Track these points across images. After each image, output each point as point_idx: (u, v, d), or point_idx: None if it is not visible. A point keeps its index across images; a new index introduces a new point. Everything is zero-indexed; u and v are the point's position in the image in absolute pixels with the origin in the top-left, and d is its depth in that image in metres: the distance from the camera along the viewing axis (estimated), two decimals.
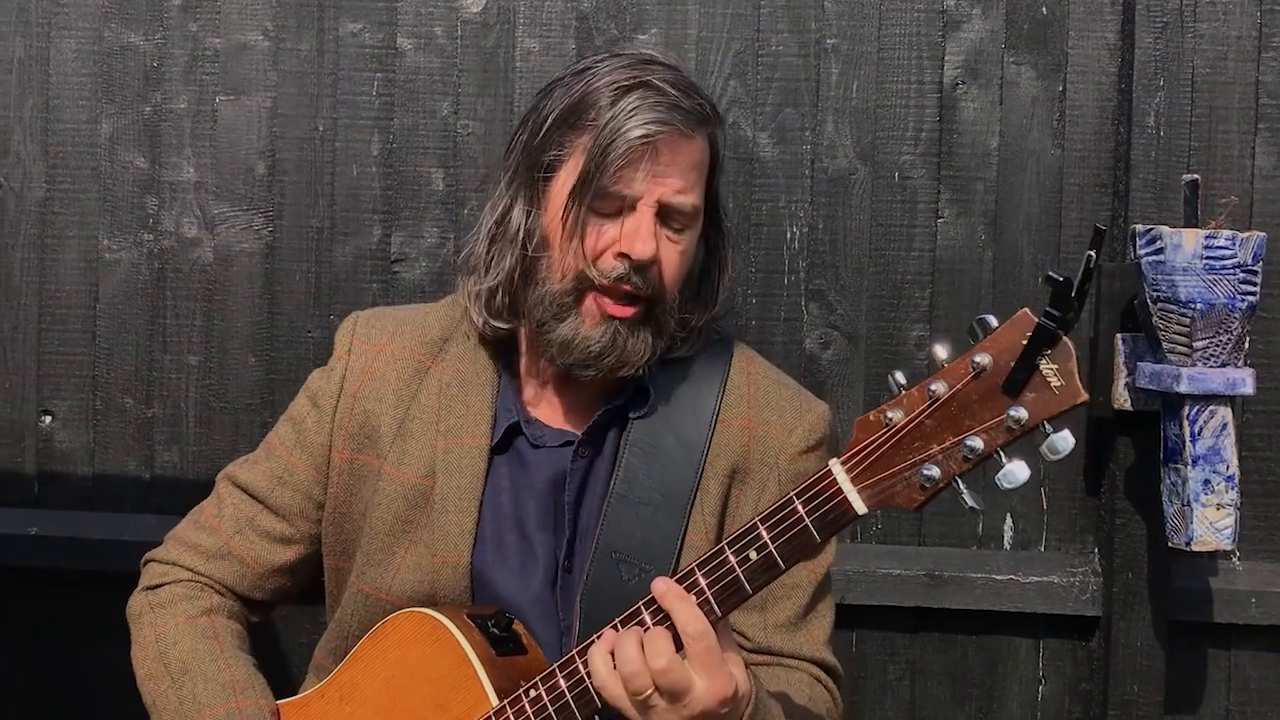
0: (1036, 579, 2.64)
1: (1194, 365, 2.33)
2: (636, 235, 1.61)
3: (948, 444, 1.37)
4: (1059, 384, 1.34)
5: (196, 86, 2.76)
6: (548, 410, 1.76)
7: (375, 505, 1.72)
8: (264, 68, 2.74)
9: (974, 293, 2.69)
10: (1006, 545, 2.70)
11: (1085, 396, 1.33)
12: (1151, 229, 2.37)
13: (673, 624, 1.43)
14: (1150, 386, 2.37)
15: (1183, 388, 2.32)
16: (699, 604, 1.43)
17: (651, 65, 1.66)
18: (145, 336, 2.78)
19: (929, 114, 2.68)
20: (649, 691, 1.42)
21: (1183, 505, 2.36)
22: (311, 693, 1.73)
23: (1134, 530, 2.58)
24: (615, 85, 1.61)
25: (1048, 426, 1.35)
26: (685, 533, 1.70)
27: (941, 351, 1.39)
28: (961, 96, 2.68)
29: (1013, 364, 1.33)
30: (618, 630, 1.47)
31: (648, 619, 1.46)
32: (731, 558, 1.44)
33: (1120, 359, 2.50)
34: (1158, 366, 2.36)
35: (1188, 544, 2.37)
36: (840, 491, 1.40)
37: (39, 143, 2.78)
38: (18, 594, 2.78)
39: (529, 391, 1.76)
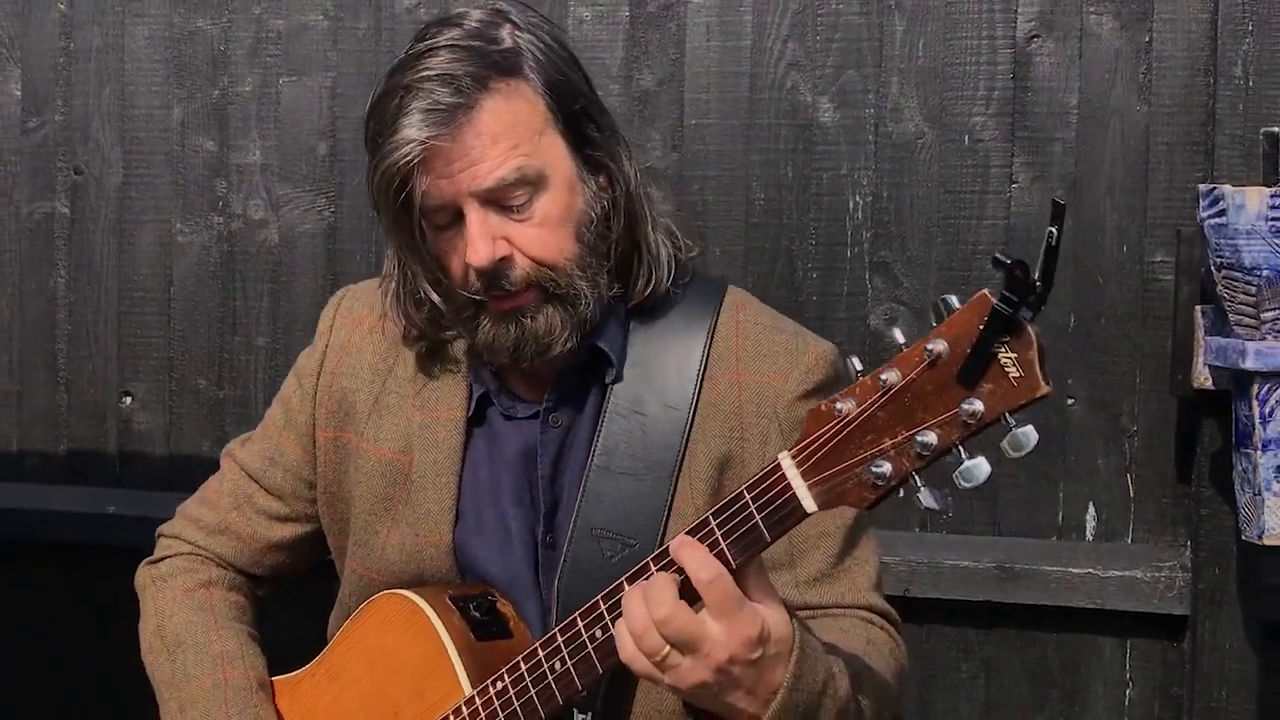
0: (1118, 573, 2.72)
1: (1263, 338, 2.35)
2: (469, 245, 1.70)
3: (900, 438, 1.37)
4: (1018, 375, 1.32)
5: (260, 69, 3.09)
6: (519, 381, 1.89)
7: (357, 484, 1.95)
8: (324, 47, 3.05)
9: None
10: (1089, 536, 2.76)
11: (1046, 389, 1.32)
12: (1214, 188, 2.42)
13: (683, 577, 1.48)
14: (1217, 363, 2.40)
15: (1249, 364, 2.37)
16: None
17: (426, 55, 1.70)
18: (216, 319, 3.12)
19: (1001, 71, 2.79)
20: (663, 650, 1.46)
21: (1254, 494, 2.41)
22: (303, 671, 2.01)
23: (1220, 521, 2.64)
24: (389, 95, 1.72)
25: (1010, 420, 1.33)
26: (672, 503, 1.76)
27: (899, 335, 1.40)
28: (1037, 51, 2.77)
29: (968, 353, 1.33)
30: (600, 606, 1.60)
31: (605, 612, 1.59)
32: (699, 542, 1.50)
33: (1199, 333, 2.53)
34: (1225, 341, 2.42)
35: (1259, 537, 2.43)
36: (790, 488, 1.44)
37: (116, 129, 3.15)
38: (97, 570, 3.12)
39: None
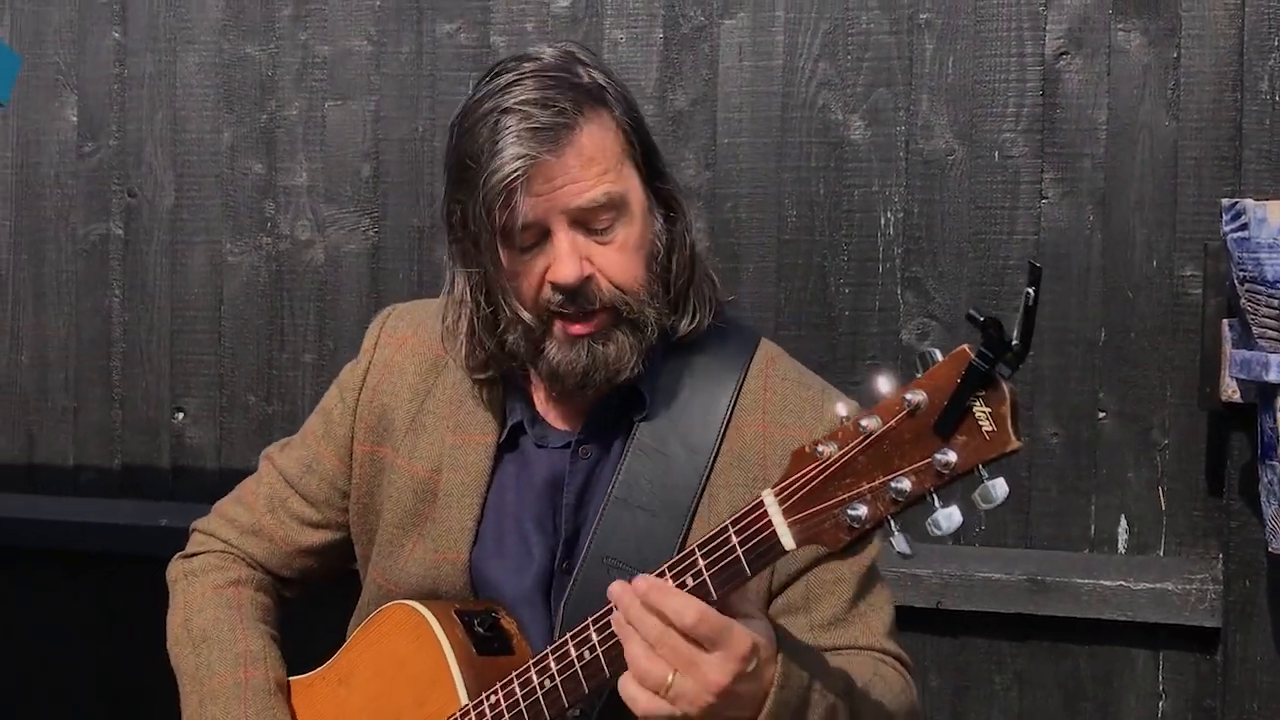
0: (1149, 586, 2.73)
1: None
2: (557, 261, 1.75)
3: (877, 483, 1.41)
4: (990, 429, 1.36)
5: (307, 93, 3.16)
6: (555, 412, 1.96)
7: (387, 498, 2.02)
8: (367, 72, 3.12)
9: (1082, 278, 2.79)
10: (1121, 549, 2.77)
11: (1016, 445, 1.36)
12: (1236, 202, 2.44)
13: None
14: (1241, 375, 2.42)
15: (1272, 376, 2.39)
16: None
17: (516, 84, 1.76)
18: (265, 336, 3.19)
19: (1030, 88, 2.81)
20: (669, 678, 1.51)
21: (1279, 507, 2.39)
22: (316, 672, 2.07)
23: (1250, 534, 2.66)
24: (481, 122, 1.78)
25: (983, 472, 1.37)
26: (684, 541, 1.80)
27: (883, 385, 1.44)
28: (1065, 68, 2.79)
29: (945, 405, 1.37)
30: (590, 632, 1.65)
31: (595, 632, 1.64)
32: (670, 583, 1.55)
33: (1227, 346, 2.54)
34: (1249, 354, 2.43)
35: None
36: (770, 524, 1.48)
37: (168, 153, 3.24)
38: (149, 582, 3.18)
39: (538, 392, 1.98)
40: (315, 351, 3.24)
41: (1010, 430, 1.35)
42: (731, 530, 1.51)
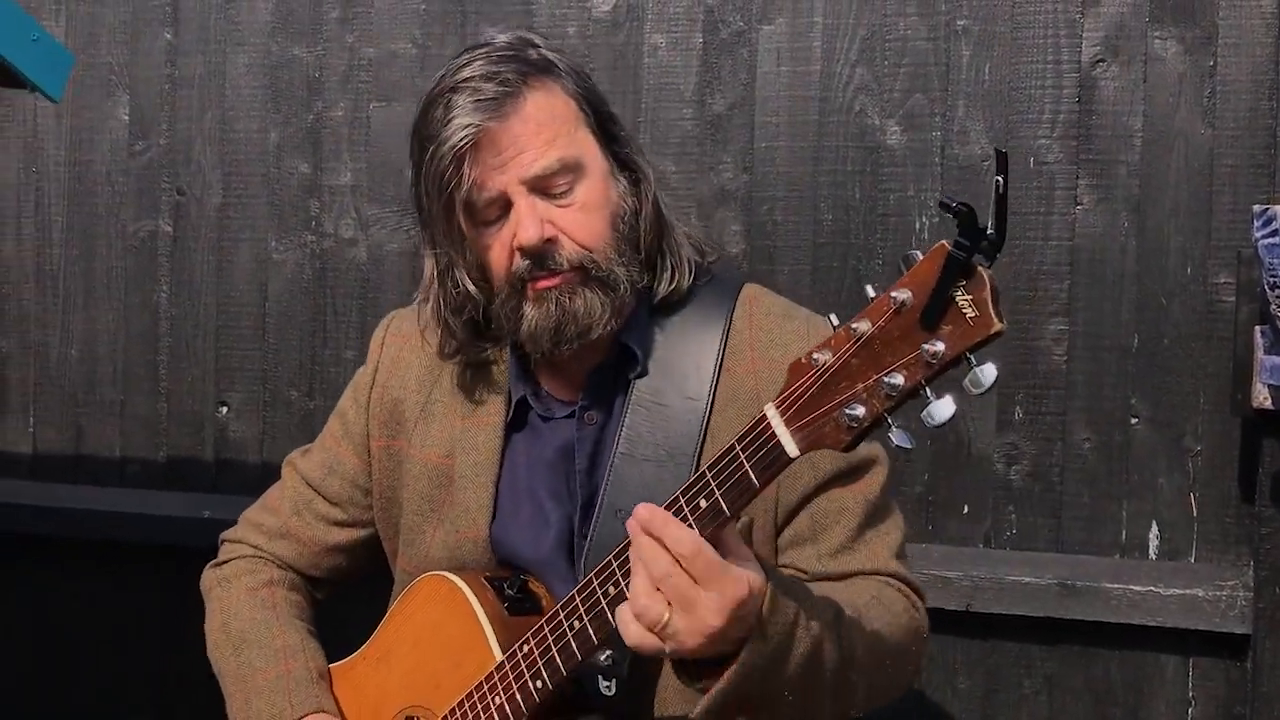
0: (1179, 591, 2.72)
1: None
2: (520, 227, 1.81)
3: (871, 381, 1.45)
4: (973, 315, 1.41)
5: (352, 94, 3.19)
6: (555, 384, 2.01)
7: (405, 487, 2.07)
8: (412, 74, 3.14)
9: (1116, 283, 2.79)
10: (1152, 555, 2.77)
11: (998, 325, 1.41)
12: (1268, 209, 2.44)
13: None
14: (1272, 381, 2.41)
15: None
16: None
17: (465, 66, 1.83)
18: (308, 333, 3.23)
19: (1066, 95, 2.81)
20: (664, 617, 1.55)
21: None
22: (355, 655, 2.12)
23: None
24: (433, 107, 1.85)
25: (972, 359, 1.41)
26: None
27: (870, 290, 1.48)
28: (1101, 75, 2.79)
29: (928, 297, 1.42)
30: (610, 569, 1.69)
31: (617, 568, 1.68)
32: (684, 507, 1.59)
33: (1259, 353, 2.53)
34: (1279, 359, 2.39)
35: None
36: (774, 435, 1.52)
37: (216, 152, 3.29)
38: (194, 572, 3.23)
39: (540, 370, 2.02)
40: (357, 348, 3.27)
41: (992, 313, 1.40)
42: (738, 447, 1.56)
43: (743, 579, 1.55)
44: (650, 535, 1.56)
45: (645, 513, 1.57)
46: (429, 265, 1.95)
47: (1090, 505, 2.86)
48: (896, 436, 1.45)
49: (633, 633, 1.57)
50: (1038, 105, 2.87)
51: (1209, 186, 2.78)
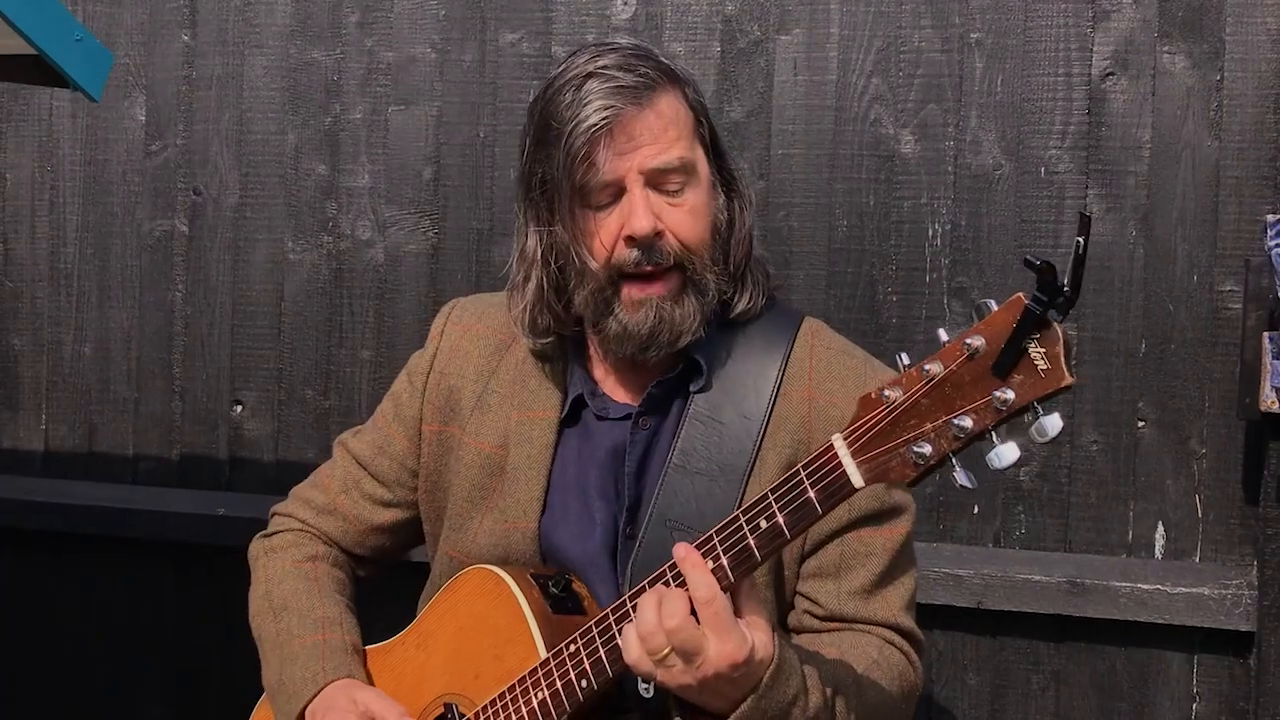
0: (1185, 590, 2.76)
1: None
2: (633, 214, 1.84)
3: (940, 422, 1.49)
4: (1045, 368, 1.45)
5: (371, 98, 3.20)
6: (613, 385, 2.04)
7: (456, 474, 2.09)
8: (431, 78, 3.16)
9: (1124, 290, 2.83)
10: (1158, 554, 2.82)
11: (1070, 380, 1.45)
12: (1279, 218, 2.46)
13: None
14: None
15: None
16: (714, 569, 1.68)
17: (600, 55, 1.88)
18: (324, 333, 3.23)
19: (1077, 107, 2.86)
20: (665, 650, 1.63)
21: None
22: (395, 639, 2.13)
23: None
24: (567, 86, 1.89)
25: (1039, 408, 1.46)
26: (740, 503, 1.86)
27: (944, 334, 1.53)
28: (1111, 88, 2.84)
29: (1002, 347, 1.46)
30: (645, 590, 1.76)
31: (670, 580, 1.74)
32: (744, 526, 1.64)
33: (1268, 358, 2.58)
34: None
35: None
36: (840, 465, 1.57)
37: (234, 153, 3.29)
38: (207, 569, 3.25)
39: (597, 369, 2.06)
40: (373, 348, 3.28)
41: (1064, 367, 1.44)
42: (803, 473, 1.62)
43: (746, 643, 1.64)
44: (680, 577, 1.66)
45: (681, 551, 1.66)
46: (531, 242, 1.96)
47: (1098, 506, 2.91)
48: (960, 476, 1.51)
49: (633, 652, 1.66)
50: (1049, 117, 2.92)
51: (1215, 197, 2.84)
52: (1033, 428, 1.46)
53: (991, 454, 1.48)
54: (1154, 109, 2.87)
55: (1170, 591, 2.81)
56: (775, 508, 1.62)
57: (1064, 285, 1.44)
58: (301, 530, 2.18)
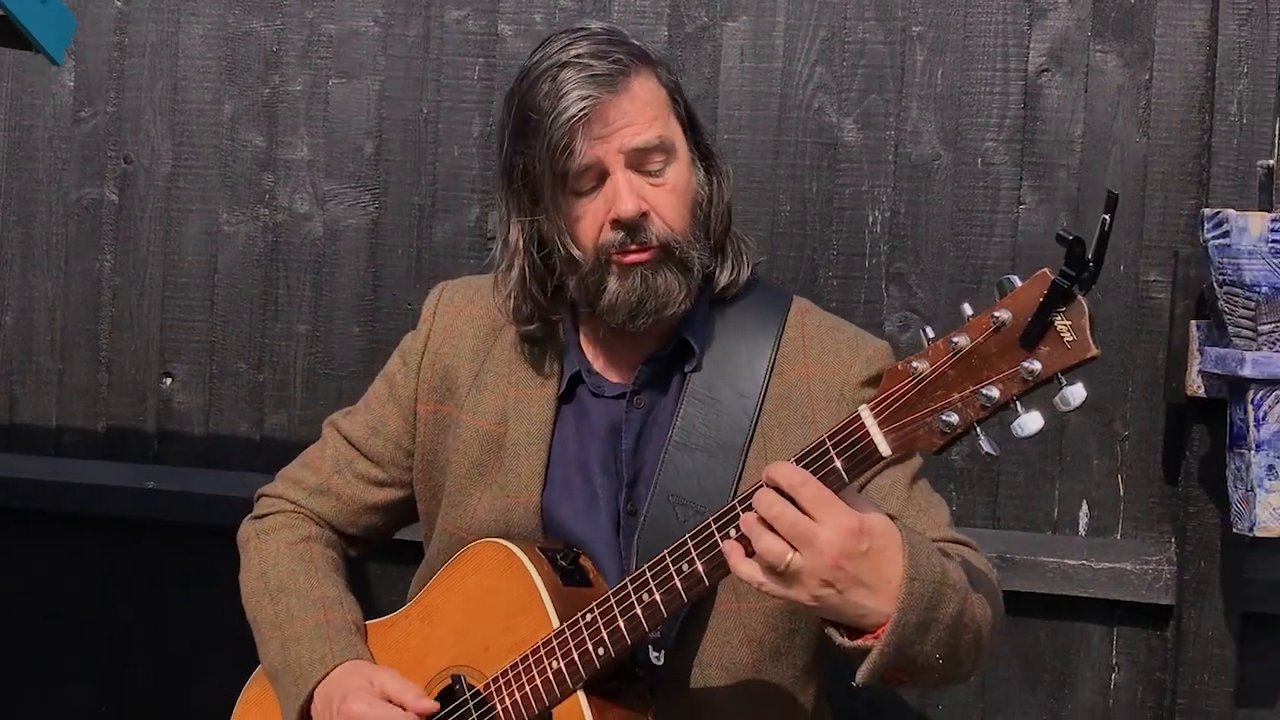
0: (1109, 565, 2.85)
1: (1259, 349, 2.51)
2: (617, 197, 1.86)
3: (967, 392, 1.53)
4: (1071, 339, 1.49)
5: (311, 70, 3.14)
6: (606, 364, 2.06)
7: (454, 451, 2.08)
8: (374, 53, 3.11)
9: None
10: (1081, 531, 2.89)
11: (1095, 351, 1.49)
12: (1218, 212, 2.56)
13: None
14: (1216, 370, 2.56)
15: (1247, 371, 2.51)
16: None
17: (573, 43, 1.89)
18: (259, 306, 3.16)
19: (1013, 101, 2.91)
20: (787, 555, 1.57)
21: (1247, 490, 2.54)
22: (397, 614, 2.10)
23: (1207, 519, 2.78)
24: (542, 76, 1.89)
25: (1062, 379, 1.50)
26: (740, 477, 1.91)
27: (968, 308, 1.56)
28: (1046, 84, 2.90)
29: (1029, 320, 1.50)
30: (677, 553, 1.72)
31: (692, 549, 1.70)
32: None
33: (1194, 345, 2.68)
34: (1223, 350, 2.55)
35: (1250, 529, 2.56)
36: (867, 434, 1.59)
37: (167, 122, 3.20)
38: (135, 543, 3.15)
39: (590, 347, 2.07)
40: (309, 322, 3.21)
41: (1090, 339, 1.49)
42: (829, 443, 1.62)
43: (852, 511, 1.58)
44: (766, 484, 1.61)
45: (764, 470, 1.62)
46: (514, 232, 1.95)
47: (1025, 485, 2.98)
48: (985, 443, 1.56)
49: (751, 575, 1.60)
50: (986, 109, 2.98)
51: (1142, 190, 2.92)
52: (1057, 397, 1.50)
53: (1016, 423, 1.53)
54: (1086, 105, 2.94)
55: (1095, 566, 2.90)
56: None
57: (1089, 261, 1.48)
58: (294, 512, 2.14)
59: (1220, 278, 2.60)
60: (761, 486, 1.62)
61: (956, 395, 1.54)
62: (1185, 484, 2.85)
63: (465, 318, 2.09)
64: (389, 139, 3.17)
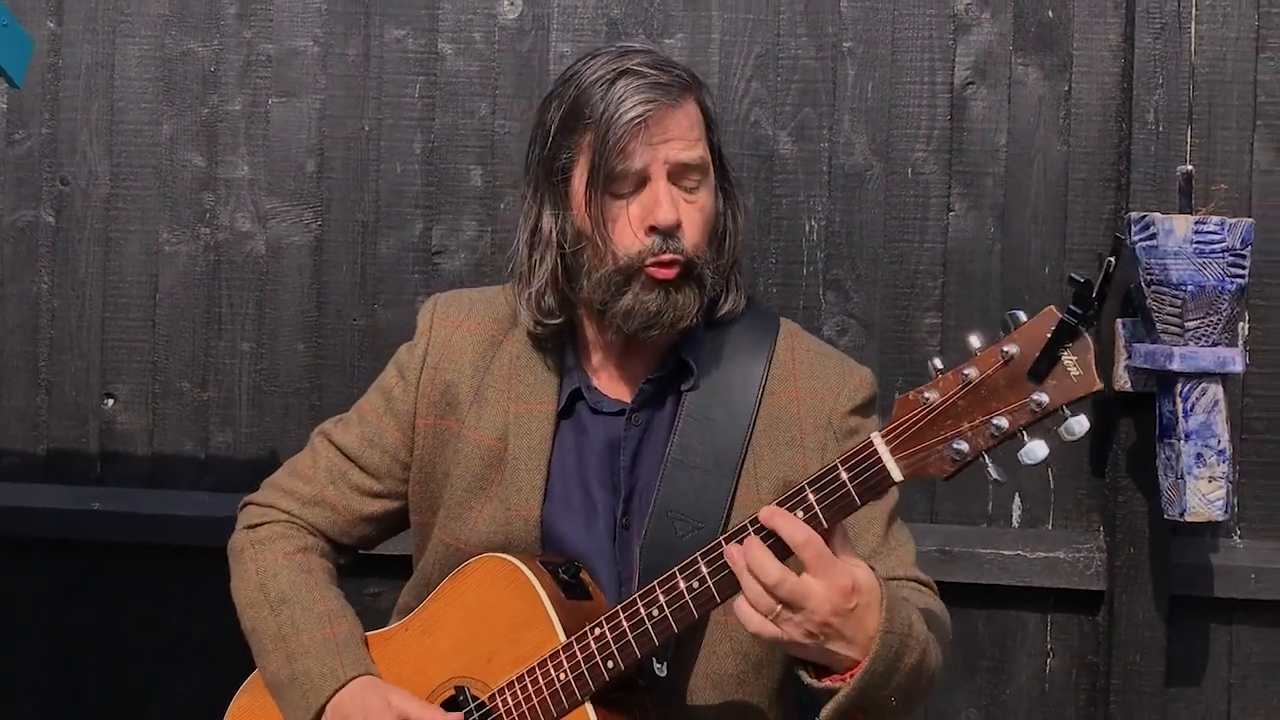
0: (1043, 554, 2.92)
1: (1186, 344, 2.61)
2: (657, 205, 1.86)
3: (977, 422, 1.58)
4: (1077, 373, 1.55)
5: (250, 89, 3.11)
6: (606, 380, 2.05)
7: (455, 465, 2.06)
8: (314, 71, 3.08)
9: (984, 282, 2.97)
10: (1015, 523, 2.97)
11: (1100, 385, 1.56)
12: (1145, 215, 2.66)
13: (776, 541, 1.67)
14: (1145, 365, 2.65)
15: (1175, 365, 2.59)
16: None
17: (627, 55, 1.91)
18: (201, 325, 3.12)
19: (940, 113, 2.97)
20: (777, 608, 1.63)
21: (1177, 478, 2.62)
22: (396, 626, 2.08)
23: (1135, 507, 2.86)
24: (600, 81, 1.91)
25: (1066, 410, 1.56)
26: (734, 494, 1.93)
27: (975, 341, 1.60)
28: (971, 96, 2.96)
29: (1037, 354, 1.55)
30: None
31: (703, 567, 1.74)
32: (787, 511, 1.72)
33: (1120, 342, 2.77)
34: (1152, 346, 2.64)
35: (1181, 515, 2.64)
36: (880, 460, 1.63)
37: (104, 143, 3.15)
38: (80, 566, 3.09)
39: (590, 363, 2.06)
40: (253, 340, 3.17)
41: (1094, 374, 1.55)
42: (841, 468, 1.65)
43: (847, 571, 1.64)
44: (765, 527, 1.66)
45: (765, 512, 1.66)
46: (547, 225, 1.95)
47: (959, 480, 3.02)
48: (994, 470, 1.61)
49: (755, 623, 1.65)
50: (915, 121, 3.05)
51: (1064, 196, 3.02)
52: (1061, 427, 1.56)
53: (1023, 451, 1.58)
54: (1010, 116, 3.03)
55: (1030, 556, 2.97)
56: (812, 499, 1.66)
57: (1095, 300, 1.54)
58: (288, 522, 2.10)
59: (1148, 277, 2.70)
60: (762, 528, 1.66)
61: (966, 425, 1.58)
62: (1114, 474, 2.94)
63: (463, 333, 2.07)
64: (331, 157, 3.15)
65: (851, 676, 1.65)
